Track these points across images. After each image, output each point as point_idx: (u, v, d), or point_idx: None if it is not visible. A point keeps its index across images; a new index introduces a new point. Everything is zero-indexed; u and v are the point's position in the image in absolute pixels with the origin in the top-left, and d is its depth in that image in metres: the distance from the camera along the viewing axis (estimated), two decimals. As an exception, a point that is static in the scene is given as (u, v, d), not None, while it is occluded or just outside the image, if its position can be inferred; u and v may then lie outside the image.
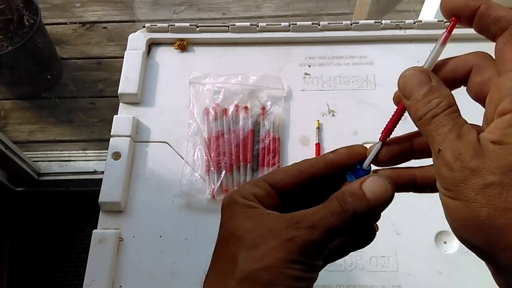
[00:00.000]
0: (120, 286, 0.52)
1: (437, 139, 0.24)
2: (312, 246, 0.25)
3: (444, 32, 0.26)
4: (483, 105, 0.26)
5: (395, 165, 0.30)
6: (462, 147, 0.23)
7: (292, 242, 0.25)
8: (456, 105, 0.25)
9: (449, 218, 0.25)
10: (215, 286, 0.27)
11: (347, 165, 0.28)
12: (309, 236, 0.25)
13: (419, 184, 0.29)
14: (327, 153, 0.29)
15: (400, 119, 0.29)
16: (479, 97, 0.26)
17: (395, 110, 0.29)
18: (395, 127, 0.29)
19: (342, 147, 0.29)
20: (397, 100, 0.29)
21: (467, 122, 0.24)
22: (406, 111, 0.27)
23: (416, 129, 0.27)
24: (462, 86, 0.28)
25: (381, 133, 0.29)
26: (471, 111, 0.29)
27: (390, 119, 0.29)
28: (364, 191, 0.26)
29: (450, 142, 0.23)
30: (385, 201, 0.26)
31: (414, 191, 0.29)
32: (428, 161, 0.27)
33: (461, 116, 0.25)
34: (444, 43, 0.27)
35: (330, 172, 0.28)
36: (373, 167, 0.29)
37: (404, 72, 0.28)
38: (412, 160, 0.30)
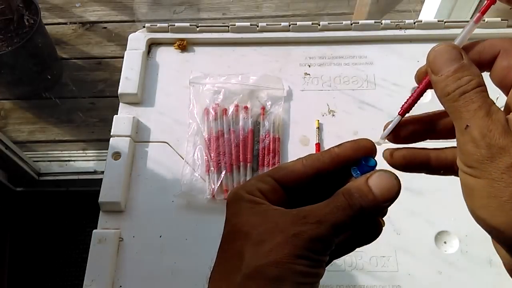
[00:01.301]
0: (120, 286, 0.52)
1: (465, 115, 0.24)
2: (318, 241, 0.25)
3: (479, 12, 0.27)
4: (506, 92, 0.26)
5: (411, 143, 0.30)
6: (492, 124, 0.23)
7: (298, 237, 0.25)
8: (485, 86, 0.25)
9: (469, 197, 0.25)
10: (221, 282, 0.26)
11: (352, 159, 0.28)
12: (315, 231, 0.25)
13: (433, 165, 0.29)
14: (333, 147, 0.29)
15: (422, 95, 0.28)
16: (503, 83, 0.26)
17: (417, 86, 0.28)
18: (416, 103, 0.29)
19: (347, 141, 0.29)
20: (419, 77, 0.29)
21: (495, 103, 0.24)
22: (431, 87, 0.27)
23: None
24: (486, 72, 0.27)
25: (401, 108, 0.29)
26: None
27: (412, 94, 0.29)
28: (370, 186, 0.26)
29: (479, 119, 0.23)
30: (392, 197, 0.26)
31: (427, 173, 0.29)
32: (442, 145, 0.27)
33: (489, 97, 0.24)
34: (477, 21, 0.27)
35: (336, 167, 0.28)
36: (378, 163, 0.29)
37: (434, 47, 0.28)
38: (427, 141, 0.30)
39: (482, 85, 0.24)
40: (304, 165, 0.28)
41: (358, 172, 0.27)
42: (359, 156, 0.28)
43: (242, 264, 0.25)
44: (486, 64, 0.27)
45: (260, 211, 0.27)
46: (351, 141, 0.29)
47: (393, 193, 0.26)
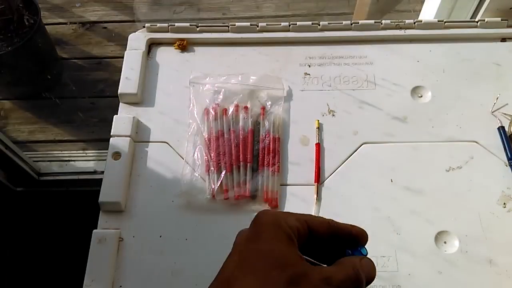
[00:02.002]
0: (120, 286, 0.52)
1: None
2: None
3: None
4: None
5: None
6: None
7: None
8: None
9: None
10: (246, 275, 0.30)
11: (356, 238, 0.35)
12: None
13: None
14: (351, 225, 0.35)
15: None
16: None
17: None
18: None
19: (359, 227, 0.35)
20: None
21: None
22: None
23: None
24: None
25: None
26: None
27: None
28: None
29: None
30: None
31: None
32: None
33: None
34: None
35: (343, 237, 0.34)
36: None
37: None
38: None
39: None
40: (331, 225, 0.34)
41: (350, 252, 0.34)
42: (358, 241, 0.35)
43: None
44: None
45: (295, 251, 0.31)
46: (361, 229, 0.35)
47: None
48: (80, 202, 1.18)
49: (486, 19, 0.66)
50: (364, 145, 0.59)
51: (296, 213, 0.33)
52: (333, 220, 0.34)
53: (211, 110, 0.60)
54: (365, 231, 0.35)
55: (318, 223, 0.33)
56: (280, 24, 0.67)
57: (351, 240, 0.35)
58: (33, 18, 1.30)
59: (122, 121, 0.60)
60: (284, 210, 0.55)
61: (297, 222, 0.32)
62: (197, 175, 0.57)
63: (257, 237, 0.31)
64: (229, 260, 0.31)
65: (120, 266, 0.53)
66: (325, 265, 0.33)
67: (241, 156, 0.58)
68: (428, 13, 0.80)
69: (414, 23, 0.67)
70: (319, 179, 0.57)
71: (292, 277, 0.29)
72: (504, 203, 0.55)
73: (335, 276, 0.30)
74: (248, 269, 0.30)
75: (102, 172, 0.57)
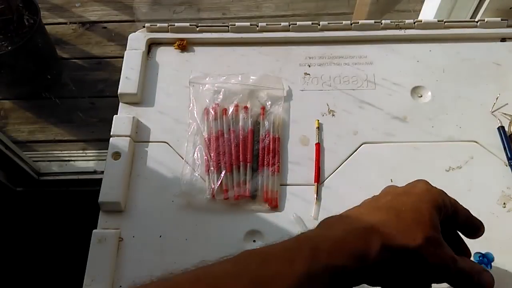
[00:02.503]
0: (120, 286, 0.52)
1: None
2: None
3: None
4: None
5: None
6: None
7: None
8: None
9: None
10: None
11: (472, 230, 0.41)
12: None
13: None
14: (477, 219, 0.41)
15: None
16: None
17: None
18: None
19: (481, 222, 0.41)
20: None
21: None
22: None
23: None
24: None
25: None
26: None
27: None
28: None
29: None
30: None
31: None
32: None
33: None
34: None
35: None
36: None
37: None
38: None
39: None
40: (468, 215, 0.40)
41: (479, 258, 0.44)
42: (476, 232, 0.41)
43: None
44: None
45: (438, 221, 0.35)
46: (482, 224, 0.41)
47: None
48: (80, 202, 1.18)
49: (486, 19, 0.66)
50: (364, 145, 0.59)
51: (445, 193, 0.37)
52: (456, 201, 0.38)
53: (211, 110, 0.60)
54: (483, 225, 0.40)
55: (462, 208, 0.37)
56: (280, 24, 0.67)
57: (470, 228, 0.39)
58: (33, 18, 1.30)
59: (122, 121, 0.60)
60: (284, 210, 0.55)
61: (448, 200, 0.36)
62: (197, 175, 0.57)
63: (409, 193, 0.35)
64: (373, 200, 0.37)
65: (120, 266, 0.53)
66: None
67: (241, 156, 0.58)
68: (428, 13, 0.80)
69: (414, 23, 0.67)
70: (319, 179, 0.57)
71: (430, 238, 0.32)
72: (504, 203, 0.55)
73: (461, 263, 0.34)
74: (393, 213, 0.34)
75: (102, 172, 0.57)
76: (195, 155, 0.58)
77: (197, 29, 0.67)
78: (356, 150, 0.59)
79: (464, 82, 0.63)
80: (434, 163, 0.58)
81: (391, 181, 0.56)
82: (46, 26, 1.39)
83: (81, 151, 1.32)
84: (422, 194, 0.36)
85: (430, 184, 0.38)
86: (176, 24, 0.68)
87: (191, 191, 0.56)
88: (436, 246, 0.33)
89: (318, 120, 0.61)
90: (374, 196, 0.38)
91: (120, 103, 0.63)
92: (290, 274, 0.30)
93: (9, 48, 1.25)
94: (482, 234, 0.40)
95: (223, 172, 0.57)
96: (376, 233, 0.33)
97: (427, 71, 0.64)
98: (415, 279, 0.33)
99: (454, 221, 0.38)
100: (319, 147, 0.59)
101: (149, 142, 0.60)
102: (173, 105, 0.63)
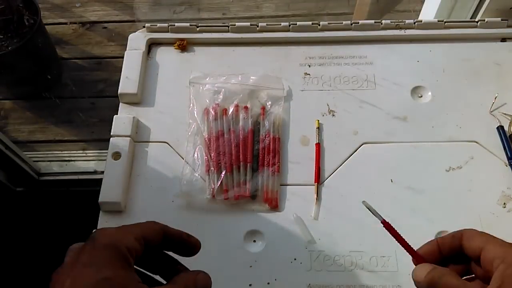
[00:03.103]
0: (120, 286, 0.52)
1: None
2: None
3: None
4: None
5: None
6: None
7: None
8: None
9: None
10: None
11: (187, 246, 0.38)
12: None
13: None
14: (186, 233, 0.38)
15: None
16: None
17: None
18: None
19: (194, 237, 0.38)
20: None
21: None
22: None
23: None
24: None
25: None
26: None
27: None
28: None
29: None
30: None
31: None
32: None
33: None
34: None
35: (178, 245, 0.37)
36: None
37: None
38: None
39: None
40: (165, 231, 0.36)
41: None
42: (192, 248, 0.38)
43: None
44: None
45: (131, 276, 0.30)
46: (195, 238, 0.38)
47: None
48: (80, 202, 1.18)
49: (486, 19, 0.66)
50: (364, 145, 0.59)
51: (134, 227, 0.33)
52: (167, 226, 0.36)
53: (211, 110, 0.60)
54: (199, 241, 0.38)
55: (153, 233, 0.34)
56: (280, 24, 0.67)
57: (186, 248, 0.37)
58: (33, 18, 1.30)
59: (122, 121, 0.60)
60: (284, 210, 0.55)
61: (135, 242, 0.31)
62: (197, 175, 0.57)
63: (92, 261, 0.31)
64: (61, 278, 0.31)
65: (120, 266, 0.53)
66: (164, 282, 0.34)
67: (241, 156, 0.58)
68: (428, 13, 0.80)
69: (414, 23, 0.67)
70: (319, 179, 0.57)
71: None
72: (504, 203, 0.55)
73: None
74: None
75: (102, 172, 0.57)
76: (195, 155, 0.58)
77: (197, 29, 0.67)
78: (356, 150, 0.59)
79: (464, 82, 0.63)
80: (434, 163, 0.58)
81: (391, 181, 0.56)
82: (46, 26, 1.39)
83: (81, 151, 1.32)
84: (106, 257, 0.31)
85: (110, 236, 0.32)
86: (176, 24, 0.68)
87: (191, 191, 0.56)
88: None
89: (318, 120, 0.61)
90: (61, 268, 0.33)
91: (120, 103, 0.63)
92: None
93: (9, 48, 1.25)
94: (197, 249, 0.38)
95: (223, 172, 0.57)
96: None
97: (427, 71, 0.64)
98: None
99: (153, 246, 0.35)
100: (319, 147, 0.59)
101: (149, 142, 0.60)
102: (173, 105, 0.63)
